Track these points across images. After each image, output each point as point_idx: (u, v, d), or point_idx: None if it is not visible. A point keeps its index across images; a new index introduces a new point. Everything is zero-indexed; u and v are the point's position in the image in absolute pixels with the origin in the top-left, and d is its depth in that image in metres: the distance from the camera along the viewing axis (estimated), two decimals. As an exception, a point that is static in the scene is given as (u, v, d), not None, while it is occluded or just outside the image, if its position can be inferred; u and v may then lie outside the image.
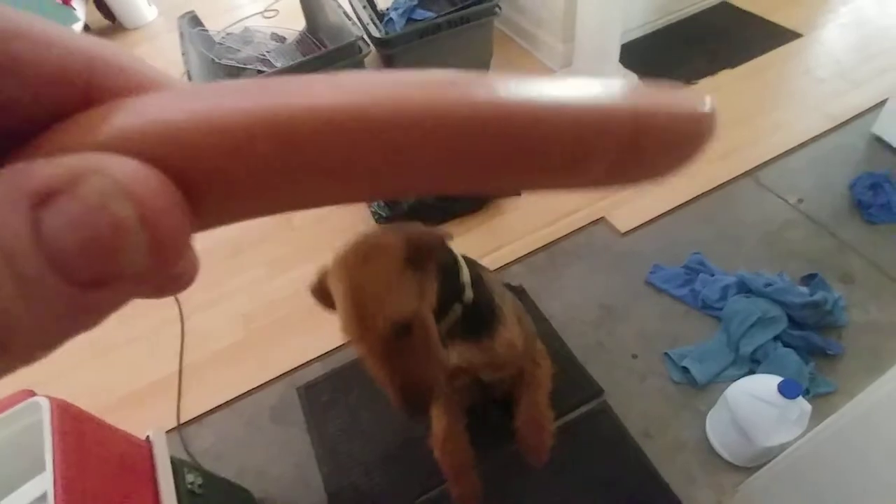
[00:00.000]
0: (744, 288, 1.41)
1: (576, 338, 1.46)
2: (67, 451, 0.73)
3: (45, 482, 0.70)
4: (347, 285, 0.67)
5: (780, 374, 1.08)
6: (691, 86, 2.10)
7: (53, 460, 0.71)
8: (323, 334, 1.60)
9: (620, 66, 2.18)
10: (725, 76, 2.12)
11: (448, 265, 0.80)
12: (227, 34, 2.45)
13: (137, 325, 1.76)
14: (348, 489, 1.30)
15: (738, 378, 1.17)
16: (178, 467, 0.94)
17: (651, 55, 2.27)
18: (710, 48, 2.25)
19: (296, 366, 1.54)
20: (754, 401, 1.04)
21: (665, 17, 2.40)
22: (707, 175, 1.77)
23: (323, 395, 1.48)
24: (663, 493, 1.17)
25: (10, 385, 0.90)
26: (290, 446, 1.39)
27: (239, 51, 2.23)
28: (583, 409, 1.33)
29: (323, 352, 1.56)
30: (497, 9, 2.14)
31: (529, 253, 1.67)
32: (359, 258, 0.68)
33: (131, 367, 1.65)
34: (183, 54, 2.09)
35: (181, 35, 2.18)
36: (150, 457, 0.89)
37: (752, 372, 1.29)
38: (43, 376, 1.51)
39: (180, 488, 0.90)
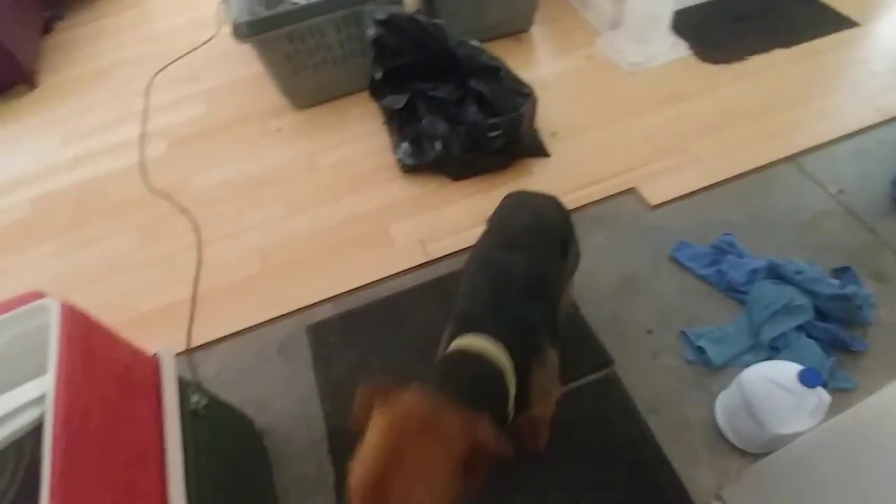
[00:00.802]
0: (773, 273, 1.36)
1: (591, 305, 1.43)
2: (72, 354, 0.72)
3: (45, 383, 0.70)
4: (386, 446, 0.58)
5: (800, 364, 1.04)
6: (742, 61, 1.98)
7: (57, 362, 0.71)
8: (336, 276, 1.59)
9: (671, 32, 2.06)
10: (778, 56, 1.99)
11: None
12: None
13: (155, 248, 1.78)
14: (348, 430, 1.31)
15: (754, 363, 1.14)
16: (183, 387, 0.95)
17: (704, 25, 2.14)
18: (765, 26, 2.12)
19: (307, 304, 1.54)
20: (771, 386, 1.01)
21: (723, -14, 2.25)
22: (747, 155, 1.69)
23: (332, 335, 1.48)
24: (665, 469, 1.16)
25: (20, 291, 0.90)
26: (294, 382, 1.40)
27: (275, -21, 2.14)
28: (590, 377, 1.31)
29: (335, 293, 1.55)
30: (547, -42, 2.02)
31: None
32: (412, 423, 0.59)
33: (146, 289, 1.66)
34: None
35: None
36: (157, 373, 0.89)
37: (769, 359, 1.25)
38: (58, 287, 1.53)
39: (184, 407, 0.91)
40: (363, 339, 1.47)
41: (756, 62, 1.99)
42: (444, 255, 1.59)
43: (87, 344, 0.75)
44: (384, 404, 0.62)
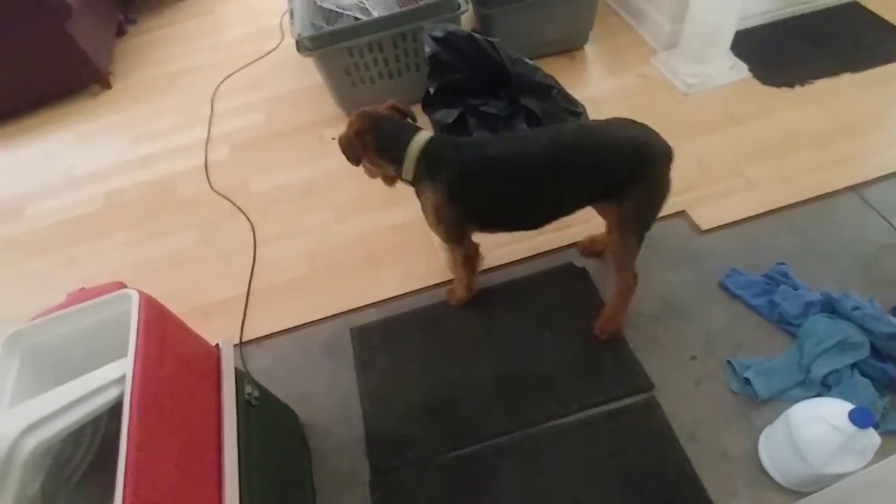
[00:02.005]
0: (828, 308, 1.32)
1: (631, 328, 1.42)
2: (149, 340, 0.80)
3: (125, 365, 0.77)
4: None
5: (852, 403, 1.00)
6: (806, 85, 1.93)
7: (136, 347, 0.78)
8: (380, 282, 1.64)
9: (731, 53, 2.03)
10: (846, 80, 1.93)
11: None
12: (331, -22, 2.47)
13: (215, 244, 1.89)
14: (385, 431, 1.36)
15: (803, 399, 1.10)
16: (239, 377, 1.01)
17: (767, 46, 2.10)
18: (833, 48, 2.05)
19: (352, 308, 1.60)
20: (820, 424, 0.98)
21: (789, 7, 2.20)
22: (807, 183, 1.64)
23: (373, 339, 1.53)
24: (701, 500, 1.14)
25: (95, 281, 0.99)
26: (337, 381, 1.46)
27: (340, -5, 2.25)
28: (629, 400, 1.31)
29: (379, 299, 1.61)
30: (607, -22, 2.04)
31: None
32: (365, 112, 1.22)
33: (205, 282, 1.77)
34: (288, -8, 2.14)
35: (288, -27, 2.22)
36: (218, 362, 0.96)
37: (819, 396, 1.21)
38: (126, 276, 1.64)
39: (240, 396, 0.97)
40: (403, 345, 1.51)
41: (821, 86, 1.93)
42: (487, 269, 1.62)
43: (161, 332, 0.82)
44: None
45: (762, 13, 2.17)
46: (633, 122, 1.18)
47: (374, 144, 1.20)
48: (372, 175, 1.33)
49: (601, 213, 1.33)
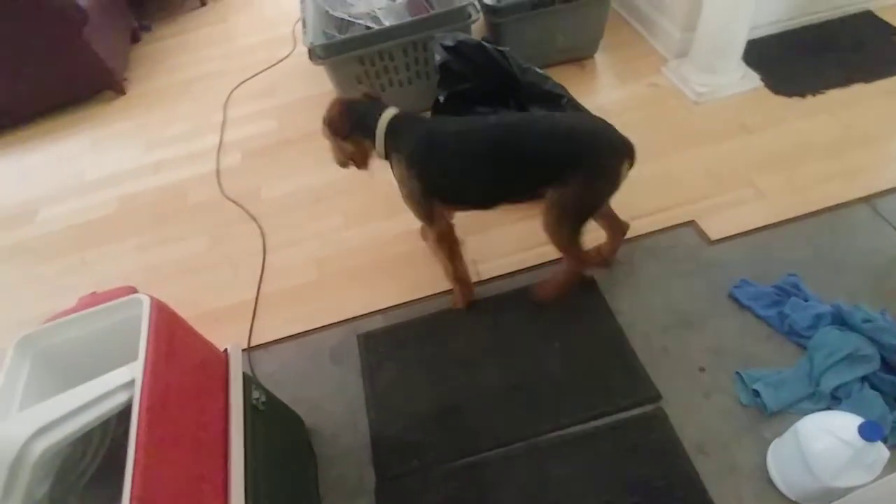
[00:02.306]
0: (839, 320, 1.30)
1: (640, 338, 1.41)
2: (159, 345, 0.80)
3: (135, 370, 0.78)
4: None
5: (861, 416, 0.99)
6: (818, 95, 1.92)
7: (146, 352, 0.79)
8: (388, 289, 1.65)
9: (742, 63, 2.02)
10: (858, 91, 1.92)
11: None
12: (342, -13, 2.50)
13: (225, 250, 1.90)
14: (391, 438, 1.35)
15: (812, 412, 1.09)
16: (247, 382, 1.02)
17: (778, 56, 2.09)
18: (845, 58, 2.04)
19: (360, 314, 1.61)
20: (829, 437, 0.97)
21: (800, 17, 2.19)
22: (818, 193, 1.63)
23: (380, 346, 1.53)
24: (708, 511, 1.13)
25: (106, 285, 1.00)
26: (343, 387, 1.46)
27: (352, 5, 2.28)
28: (636, 410, 1.30)
29: (386, 306, 1.61)
30: (617, -12, 2.04)
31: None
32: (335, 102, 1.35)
33: (214, 287, 1.79)
34: (301, 2, 2.17)
35: (300, -18, 2.26)
36: (227, 367, 0.97)
37: (829, 409, 1.19)
38: (137, 280, 1.66)
39: (247, 401, 0.98)
40: (410, 352, 1.51)
41: (833, 97, 1.92)
42: (494, 277, 1.62)
43: (171, 336, 0.83)
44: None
45: (773, 23, 2.16)
46: (595, 117, 1.25)
47: (354, 121, 1.33)
48: (342, 161, 1.44)
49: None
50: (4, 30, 2.44)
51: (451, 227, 1.43)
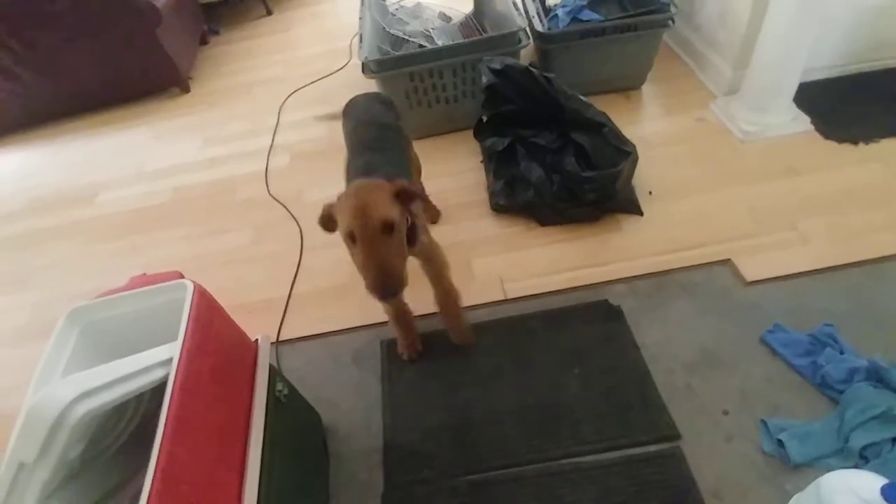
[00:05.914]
0: (874, 376, 1.25)
1: (664, 374, 1.39)
2: (197, 328, 0.86)
3: (174, 349, 0.84)
4: (355, 200, 1.02)
5: (888, 478, 0.95)
6: (871, 143, 1.86)
7: (186, 333, 0.84)
8: (415, 299, 1.67)
9: (793, 105, 1.98)
10: (914, 141, 1.85)
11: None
12: (401, 6, 2.60)
13: (266, 247, 1.99)
14: (403, 445, 1.37)
15: (838, 469, 1.05)
16: (272, 373, 1.06)
17: (831, 101, 2.04)
18: (900, 107, 1.97)
19: (385, 320, 1.64)
20: (852, 497, 0.93)
21: (856, 63, 2.13)
22: (863, 243, 1.57)
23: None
24: (718, 559, 1.09)
25: (154, 268, 1.07)
26: (363, 389, 1.50)
27: (408, 23, 2.37)
28: (653, 447, 1.27)
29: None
30: (670, 21, 2.05)
31: (637, 276, 1.61)
32: (363, 188, 1.06)
33: (252, 281, 1.87)
34: (360, 18, 2.27)
35: (362, 0, 2.36)
36: (255, 356, 1.01)
37: (856, 467, 1.14)
38: (183, 267, 1.74)
39: (271, 391, 1.02)
40: (430, 362, 1.53)
41: (886, 146, 1.86)
42: (521, 297, 1.63)
43: (209, 321, 0.88)
44: (342, 196, 1.09)
45: (829, 67, 2.12)
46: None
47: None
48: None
49: None
50: (91, 20, 2.65)
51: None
